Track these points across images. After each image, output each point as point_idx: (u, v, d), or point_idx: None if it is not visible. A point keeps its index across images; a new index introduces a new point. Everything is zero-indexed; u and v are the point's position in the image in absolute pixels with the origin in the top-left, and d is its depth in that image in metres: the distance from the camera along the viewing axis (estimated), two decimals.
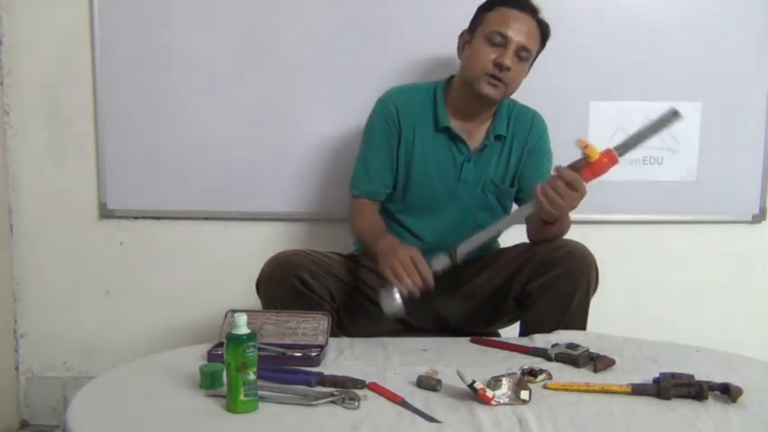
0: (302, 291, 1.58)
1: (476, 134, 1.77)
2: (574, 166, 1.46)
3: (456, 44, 1.76)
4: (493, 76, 1.65)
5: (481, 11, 1.71)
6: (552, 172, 1.49)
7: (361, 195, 1.78)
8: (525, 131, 1.79)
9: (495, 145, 1.77)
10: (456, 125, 1.75)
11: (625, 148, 1.46)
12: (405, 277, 1.48)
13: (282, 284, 1.58)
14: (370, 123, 1.80)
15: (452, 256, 1.54)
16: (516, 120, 1.79)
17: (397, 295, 1.48)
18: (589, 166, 1.43)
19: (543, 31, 1.71)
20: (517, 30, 1.64)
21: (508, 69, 1.64)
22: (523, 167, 1.79)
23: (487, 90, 1.66)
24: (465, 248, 1.56)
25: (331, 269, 1.66)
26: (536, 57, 1.73)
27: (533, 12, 1.68)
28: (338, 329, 1.63)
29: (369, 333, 1.67)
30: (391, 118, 1.75)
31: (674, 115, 1.45)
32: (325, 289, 1.61)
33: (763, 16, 2.07)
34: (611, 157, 1.43)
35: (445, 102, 1.77)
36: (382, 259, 1.54)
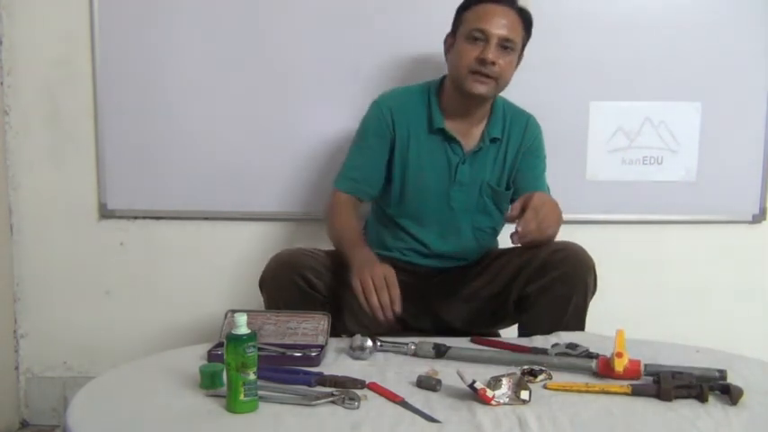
0: (305, 290, 1.57)
1: (471, 135, 1.76)
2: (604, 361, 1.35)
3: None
4: (479, 73, 1.64)
5: (460, 12, 1.71)
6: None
7: (344, 190, 1.76)
8: (520, 133, 1.78)
9: (490, 147, 1.76)
10: (450, 126, 1.74)
11: (655, 373, 1.29)
12: (373, 295, 1.47)
13: (286, 283, 1.57)
14: (362, 124, 1.79)
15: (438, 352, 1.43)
16: (512, 122, 1.78)
17: (369, 343, 1.43)
18: (608, 366, 1.32)
19: (525, 20, 1.69)
20: (496, 23, 1.63)
21: (493, 63, 1.63)
22: (518, 169, 1.78)
23: (476, 88, 1.66)
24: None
25: (334, 268, 1.64)
26: (524, 47, 1.71)
27: (511, 2, 1.66)
28: (343, 328, 1.63)
29: (370, 331, 1.67)
30: (385, 121, 1.74)
31: (719, 378, 1.28)
32: (329, 288, 1.60)
33: (762, 16, 2.06)
34: (633, 372, 1.31)
35: (439, 103, 1.76)
36: (356, 271, 1.52)
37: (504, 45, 1.64)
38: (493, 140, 1.76)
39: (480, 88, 1.66)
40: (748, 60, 2.09)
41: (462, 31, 1.67)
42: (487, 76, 1.64)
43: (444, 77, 1.79)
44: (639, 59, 2.07)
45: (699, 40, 2.07)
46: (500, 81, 1.67)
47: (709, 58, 2.08)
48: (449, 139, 1.74)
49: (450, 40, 1.73)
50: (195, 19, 2.06)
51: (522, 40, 1.69)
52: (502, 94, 1.77)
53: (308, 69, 2.07)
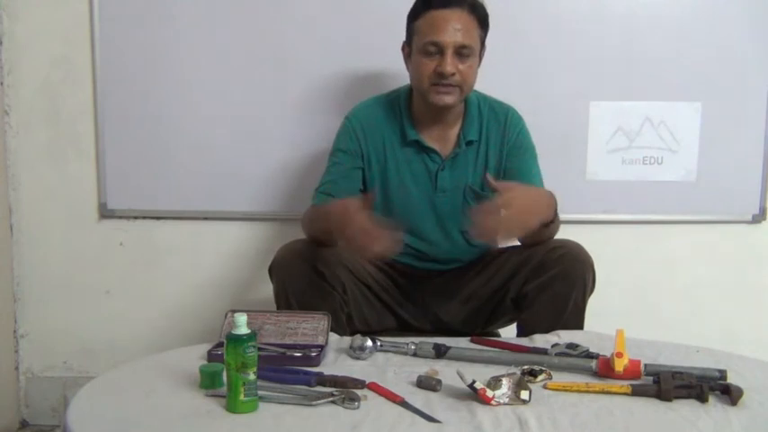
0: (315, 279, 1.55)
1: (446, 139, 1.73)
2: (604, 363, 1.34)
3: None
4: (440, 85, 1.61)
5: (411, 20, 1.66)
6: None
7: (320, 204, 1.70)
8: (500, 131, 1.73)
9: (468, 150, 1.72)
10: (424, 135, 1.72)
11: (655, 373, 1.29)
12: (370, 244, 1.40)
13: (296, 272, 1.56)
14: (335, 140, 1.77)
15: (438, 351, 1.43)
16: (489, 120, 1.74)
17: (369, 343, 1.43)
18: (608, 366, 1.32)
19: (479, 17, 1.63)
20: (450, 31, 1.58)
21: (452, 74, 1.60)
22: (506, 168, 1.73)
23: (441, 100, 1.63)
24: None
25: (343, 260, 1.62)
26: (484, 42, 1.67)
27: (460, 2, 1.61)
28: (347, 322, 1.62)
29: (371, 328, 1.67)
30: (354, 139, 1.72)
31: (719, 378, 1.28)
32: (338, 279, 1.59)
33: (763, 16, 2.07)
34: (633, 372, 1.31)
35: (409, 112, 1.73)
36: (337, 226, 1.46)
37: (461, 52, 1.60)
38: (469, 143, 1.72)
39: (445, 99, 1.63)
40: (748, 60, 2.08)
41: (416, 43, 1.63)
42: (450, 85, 1.61)
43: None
44: (639, 59, 2.07)
45: (699, 40, 2.07)
46: (464, 87, 1.64)
47: (709, 58, 2.08)
48: (424, 148, 1.72)
49: (407, 50, 1.69)
50: (195, 19, 2.06)
51: (479, 39, 1.64)
52: (487, 90, 1.75)
53: (309, 70, 2.07)
